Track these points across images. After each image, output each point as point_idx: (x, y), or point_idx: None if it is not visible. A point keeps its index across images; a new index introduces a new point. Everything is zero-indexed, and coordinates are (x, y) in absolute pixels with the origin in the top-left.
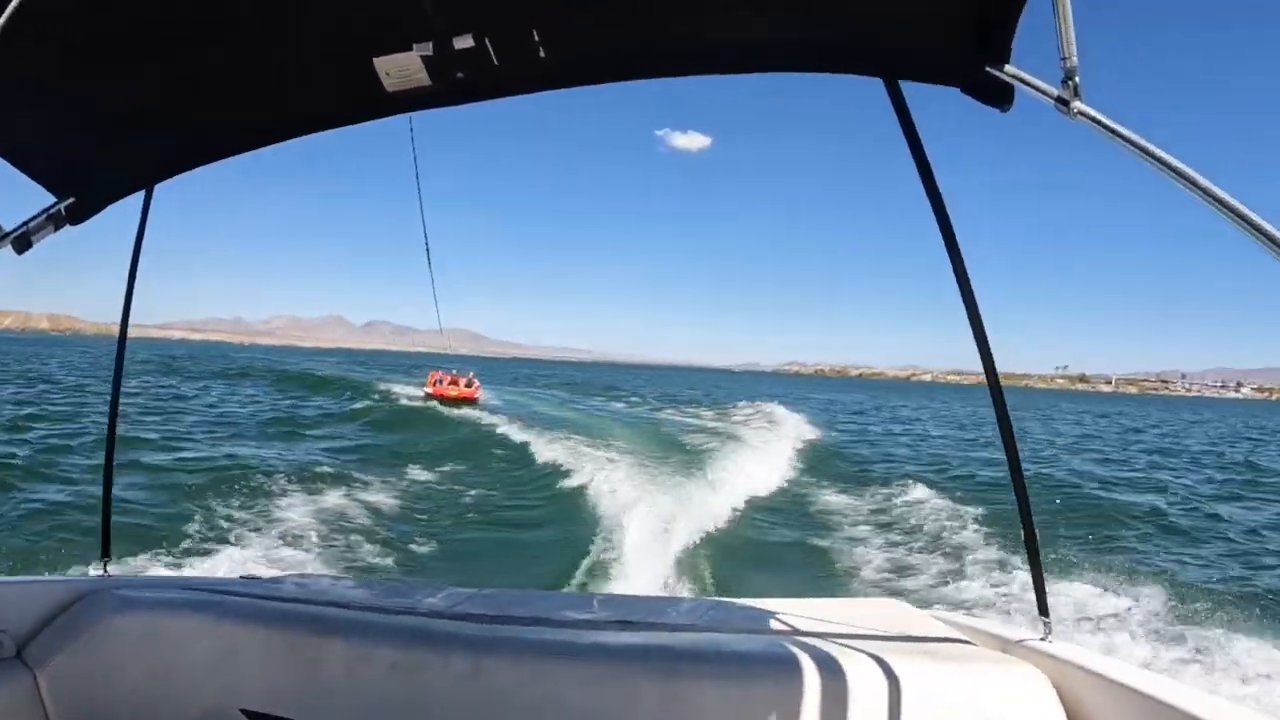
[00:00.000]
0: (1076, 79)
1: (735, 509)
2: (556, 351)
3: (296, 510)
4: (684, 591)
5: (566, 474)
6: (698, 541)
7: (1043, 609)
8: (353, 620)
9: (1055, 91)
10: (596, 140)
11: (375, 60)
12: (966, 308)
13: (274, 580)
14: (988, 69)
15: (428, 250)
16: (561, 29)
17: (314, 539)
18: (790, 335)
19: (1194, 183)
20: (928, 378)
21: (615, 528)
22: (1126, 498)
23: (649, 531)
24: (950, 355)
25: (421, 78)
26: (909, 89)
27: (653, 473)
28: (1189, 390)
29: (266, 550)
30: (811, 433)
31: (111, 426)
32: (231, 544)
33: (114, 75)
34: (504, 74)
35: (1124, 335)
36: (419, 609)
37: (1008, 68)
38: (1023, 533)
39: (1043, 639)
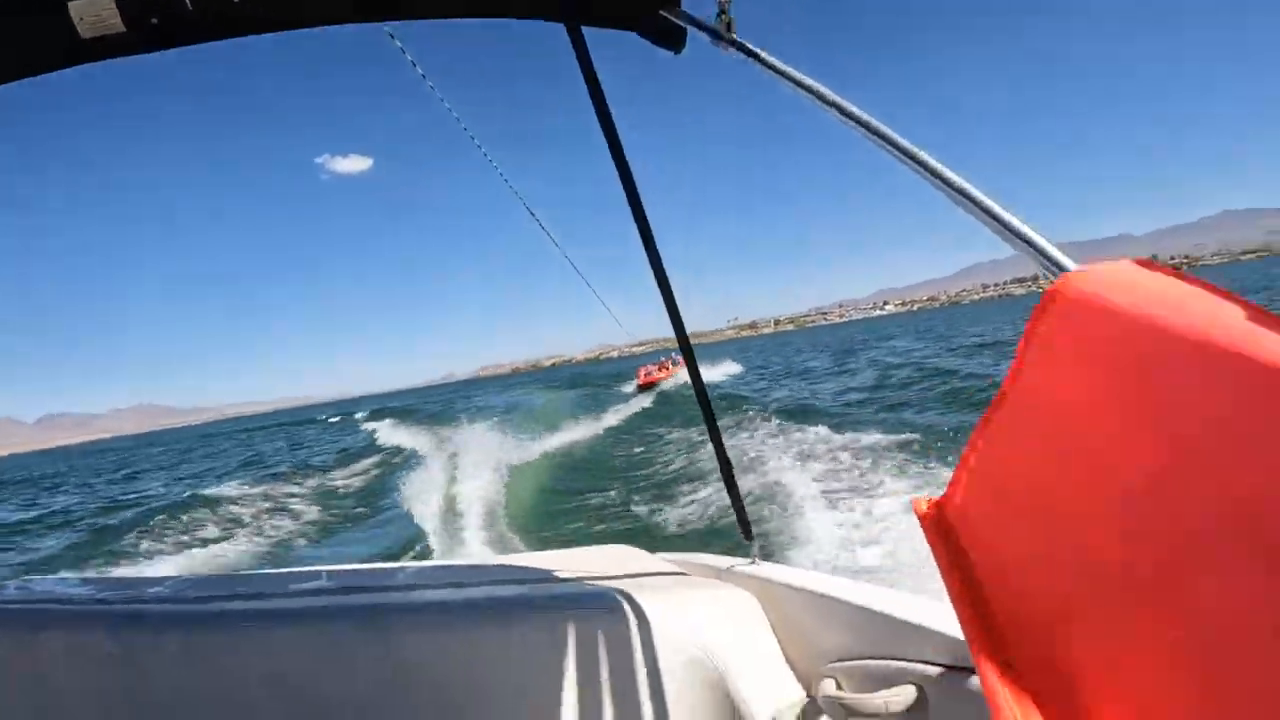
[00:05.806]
0: (730, 14)
1: None
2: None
3: None
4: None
5: None
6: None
7: (746, 534)
8: (71, 614)
9: (712, 25)
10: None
11: (70, 5)
12: (655, 275)
13: None
14: (661, 12)
15: None
16: None
17: None
18: (478, 341)
19: (833, 104)
20: (615, 354)
21: None
22: None
23: None
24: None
25: (115, 23)
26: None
27: None
28: (842, 316)
29: None
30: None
31: None
32: None
33: None
34: (197, 18)
35: (786, 278)
36: (142, 598)
37: (680, 10)
38: (718, 464)
39: (750, 563)
